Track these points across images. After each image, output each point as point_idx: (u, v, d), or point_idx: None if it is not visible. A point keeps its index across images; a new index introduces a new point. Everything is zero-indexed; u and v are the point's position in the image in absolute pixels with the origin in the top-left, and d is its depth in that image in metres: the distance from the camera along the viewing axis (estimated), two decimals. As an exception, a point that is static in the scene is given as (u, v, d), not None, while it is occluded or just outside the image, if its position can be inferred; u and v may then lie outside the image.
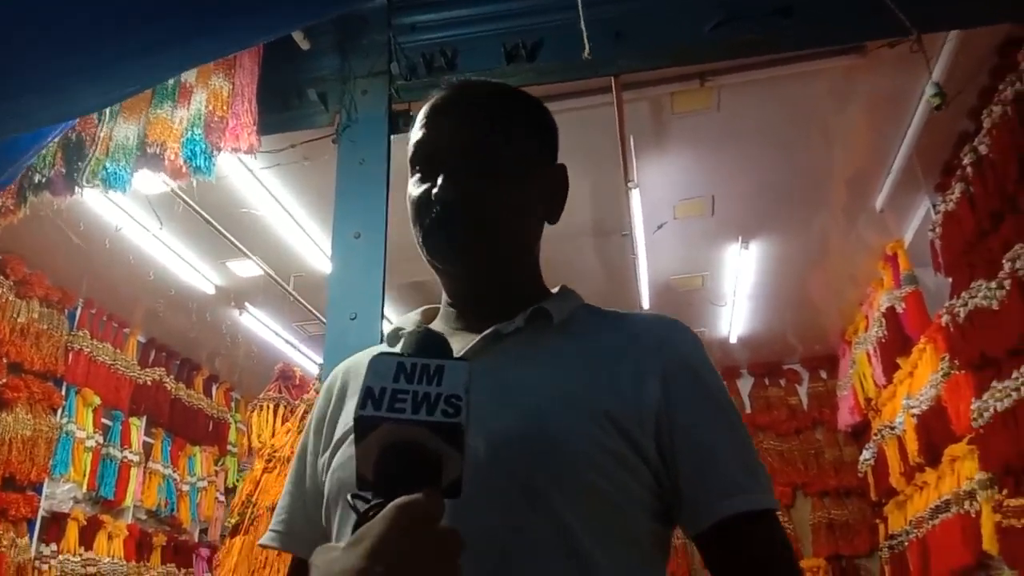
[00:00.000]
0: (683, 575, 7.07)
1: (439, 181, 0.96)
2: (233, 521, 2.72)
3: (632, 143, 4.23)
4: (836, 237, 5.68)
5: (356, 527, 0.66)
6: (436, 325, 1.06)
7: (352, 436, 0.94)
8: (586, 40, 2.78)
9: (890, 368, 5.74)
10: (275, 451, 2.80)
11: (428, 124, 1.01)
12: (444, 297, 1.08)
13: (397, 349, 0.99)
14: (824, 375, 7.91)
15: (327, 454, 0.99)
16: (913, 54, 2.67)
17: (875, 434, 6.27)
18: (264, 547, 1.10)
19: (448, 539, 0.64)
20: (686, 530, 0.91)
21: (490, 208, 0.97)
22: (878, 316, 5.86)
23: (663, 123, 4.34)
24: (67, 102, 1.97)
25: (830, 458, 7.56)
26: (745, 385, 8.20)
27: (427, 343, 0.77)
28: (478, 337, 0.97)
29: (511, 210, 0.99)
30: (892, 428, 5.74)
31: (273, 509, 1.10)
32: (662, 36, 3.20)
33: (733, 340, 7.30)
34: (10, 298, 5.54)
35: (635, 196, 4.54)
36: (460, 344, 0.97)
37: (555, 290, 1.08)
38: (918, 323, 5.23)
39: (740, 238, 5.60)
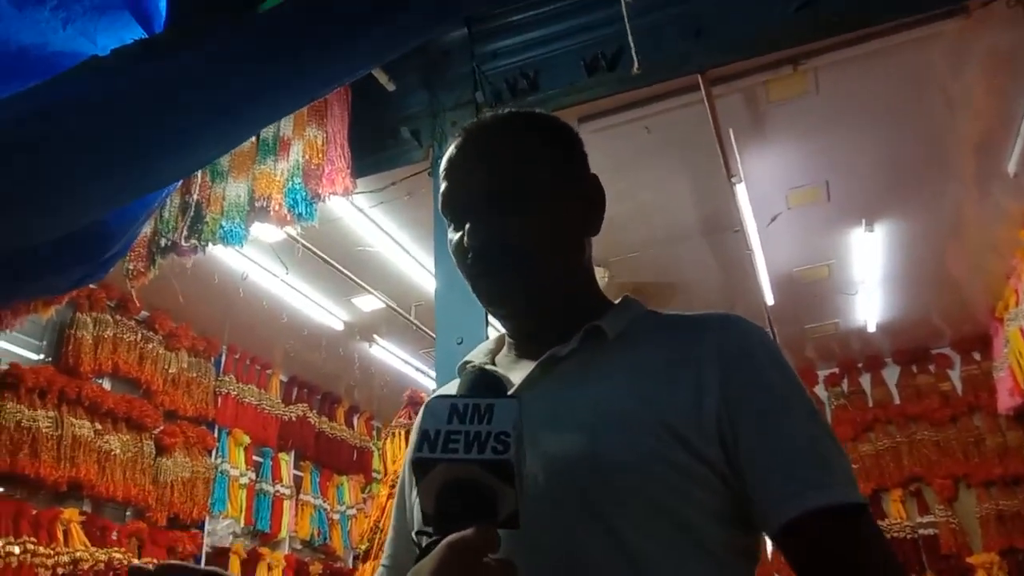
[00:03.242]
0: None
1: (467, 228, 0.98)
2: (364, 547, 2.83)
3: (732, 137, 4.13)
4: (969, 208, 5.30)
5: (415, 562, 0.70)
6: (503, 353, 1.08)
7: None
8: (634, 55, 2.76)
9: (1047, 343, 5.30)
10: (398, 476, 2.89)
11: (448, 174, 1.03)
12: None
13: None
14: (977, 357, 7.37)
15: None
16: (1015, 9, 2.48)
17: (1040, 415, 5.79)
18: None
19: (498, 571, 0.66)
20: (767, 535, 0.88)
21: (520, 246, 0.97)
22: (1027, 288, 5.43)
23: (761, 113, 4.21)
24: (169, 168, 2.13)
25: (992, 445, 7.01)
26: (891, 375, 7.76)
27: (480, 383, 0.82)
28: (535, 363, 0.98)
29: (545, 239, 0.98)
30: (1057, 408, 5.28)
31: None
32: (744, 27, 3.11)
33: (872, 329, 6.93)
34: (160, 351, 6.02)
35: (740, 190, 4.42)
36: (521, 373, 0.99)
37: (617, 301, 1.06)
38: (1072, 292, 4.80)
39: (863, 221, 5.32)
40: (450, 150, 1.05)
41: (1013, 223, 5.40)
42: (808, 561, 0.84)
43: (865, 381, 7.81)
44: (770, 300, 5.86)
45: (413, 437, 1.12)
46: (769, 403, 0.89)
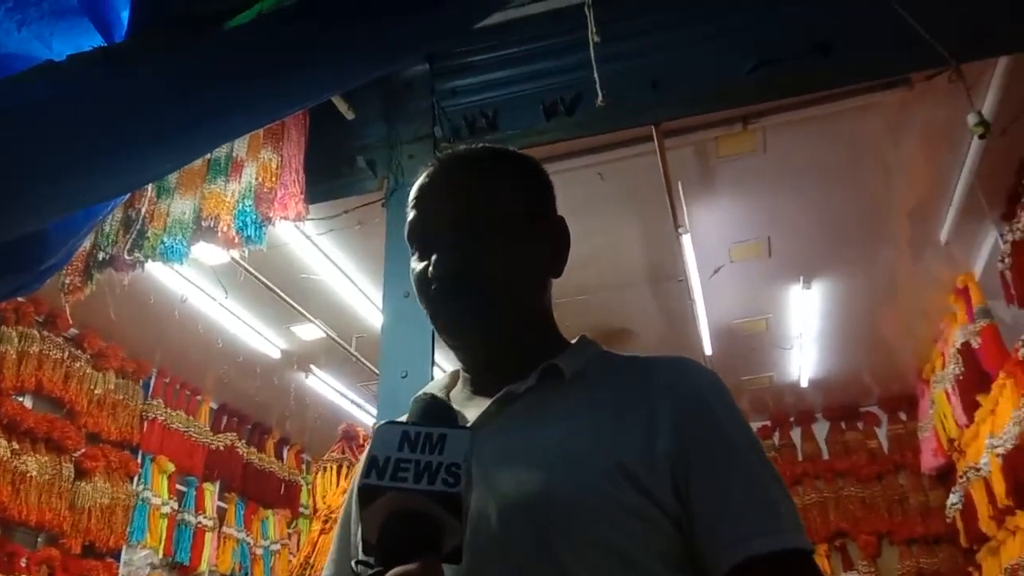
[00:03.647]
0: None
1: (433, 258, 0.97)
2: (292, 584, 2.74)
3: (680, 189, 4.22)
4: (902, 272, 5.51)
5: None
6: (457, 389, 1.07)
7: None
8: (599, 89, 2.82)
9: (970, 406, 5.48)
10: (331, 512, 2.83)
11: (417, 203, 1.03)
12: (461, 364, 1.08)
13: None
14: (904, 416, 7.60)
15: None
16: (956, 84, 2.61)
17: (960, 476, 5.96)
18: None
19: None
20: None
21: (486, 276, 0.97)
22: (954, 352, 5.63)
23: (710, 167, 4.32)
24: (119, 180, 2.07)
25: (916, 503, 7.21)
26: (821, 430, 7.94)
27: (431, 412, 0.80)
28: (491, 400, 0.97)
29: (509, 273, 0.99)
30: (977, 470, 5.45)
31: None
32: (699, 82, 3.20)
33: (804, 384, 7.10)
34: (87, 371, 5.79)
35: (686, 241, 4.51)
36: (477, 408, 0.98)
37: (574, 340, 1.06)
38: (996, 358, 5.00)
39: (802, 278, 5.49)
40: (421, 179, 1.04)
41: (943, 289, 5.61)
42: None
43: (796, 435, 7.98)
44: (708, 350, 5.95)
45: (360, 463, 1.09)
46: (719, 447, 0.90)
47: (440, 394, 1.05)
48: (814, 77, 3.13)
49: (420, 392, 1.08)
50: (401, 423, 0.75)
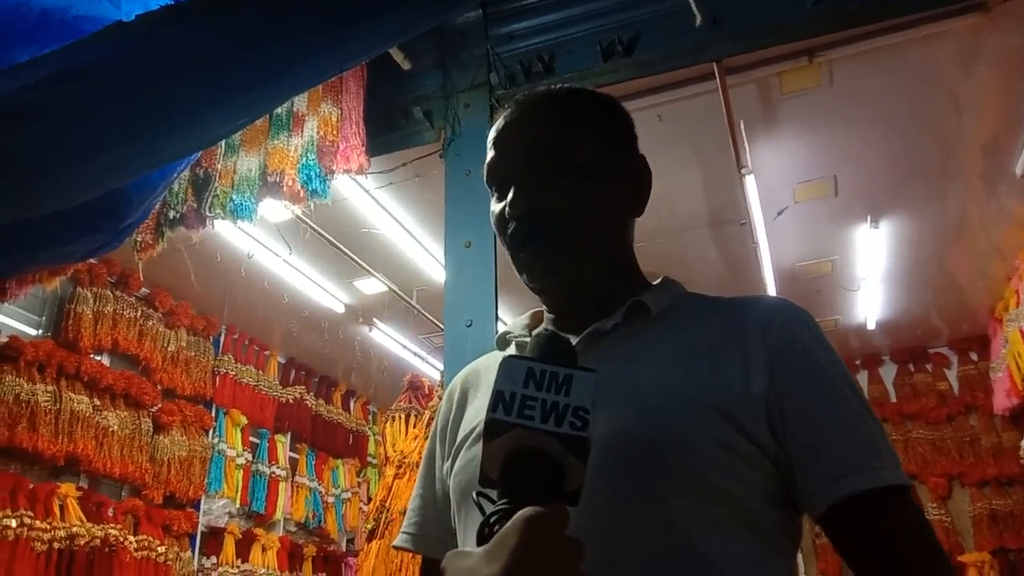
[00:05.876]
0: (833, 573, 6.79)
1: (510, 196, 0.97)
2: (370, 526, 2.83)
3: (742, 128, 4.12)
4: (975, 208, 5.31)
5: (482, 527, 0.68)
6: (540, 329, 1.06)
7: (472, 439, 0.98)
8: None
9: (1048, 344, 5.32)
10: (404, 457, 2.91)
11: (495, 144, 1.02)
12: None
13: (509, 352, 1.03)
14: (975, 357, 7.40)
15: (450, 460, 1.02)
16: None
17: (1036, 417, 5.82)
18: (398, 549, 1.14)
19: (574, 550, 0.66)
20: (810, 515, 0.87)
21: (565, 215, 0.96)
22: (1030, 289, 5.44)
23: (773, 105, 4.20)
24: (191, 137, 2.11)
25: (987, 445, 7.05)
26: (888, 372, 7.78)
27: (554, 348, 0.77)
28: (578, 338, 0.96)
29: (589, 212, 0.98)
30: (1055, 409, 5.31)
31: (405, 513, 1.15)
32: (761, 16, 3.10)
33: (871, 326, 6.95)
34: (160, 329, 6.00)
35: (750, 182, 4.41)
36: None
37: (656, 281, 1.06)
38: (1076, 294, 4.81)
39: (869, 217, 5.32)
40: (498, 121, 1.04)
41: (1018, 224, 5.40)
42: (855, 541, 0.84)
43: (862, 378, 7.83)
44: (772, 295, 5.86)
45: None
46: (816, 385, 0.89)
47: (523, 332, 1.06)
48: (883, 5, 3.00)
49: (504, 331, 1.09)
50: (526, 358, 0.73)
